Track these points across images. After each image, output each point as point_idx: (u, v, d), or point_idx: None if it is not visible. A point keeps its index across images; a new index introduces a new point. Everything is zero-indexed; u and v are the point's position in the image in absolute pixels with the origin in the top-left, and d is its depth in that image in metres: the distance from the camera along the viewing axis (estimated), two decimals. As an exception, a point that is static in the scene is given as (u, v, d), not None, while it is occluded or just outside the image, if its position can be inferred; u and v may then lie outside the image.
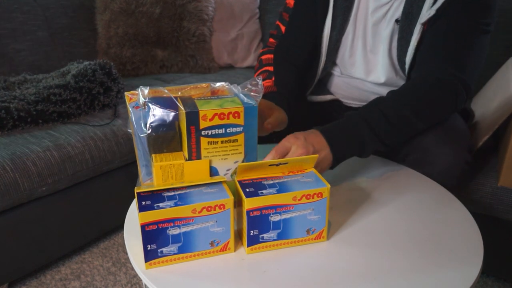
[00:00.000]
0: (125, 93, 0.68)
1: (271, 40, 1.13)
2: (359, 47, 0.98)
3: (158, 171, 0.63)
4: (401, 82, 0.98)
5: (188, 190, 0.61)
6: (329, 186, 0.62)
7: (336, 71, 1.07)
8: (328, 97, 1.10)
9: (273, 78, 0.99)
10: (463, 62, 0.85)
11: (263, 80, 1.04)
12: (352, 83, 1.04)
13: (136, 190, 0.59)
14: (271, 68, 1.03)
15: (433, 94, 0.83)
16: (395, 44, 0.93)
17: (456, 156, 0.86)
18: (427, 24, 0.87)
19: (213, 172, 0.67)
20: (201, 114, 0.62)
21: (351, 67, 1.02)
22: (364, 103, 0.89)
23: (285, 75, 1.00)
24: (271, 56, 1.07)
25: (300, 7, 1.04)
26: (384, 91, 1.00)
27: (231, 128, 0.64)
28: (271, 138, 1.03)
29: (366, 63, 0.99)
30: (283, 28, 1.12)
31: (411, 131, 0.83)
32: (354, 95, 1.07)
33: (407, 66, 0.92)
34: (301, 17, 1.04)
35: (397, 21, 0.91)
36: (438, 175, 0.86)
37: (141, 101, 0.65)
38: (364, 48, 0.98)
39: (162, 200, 0.58)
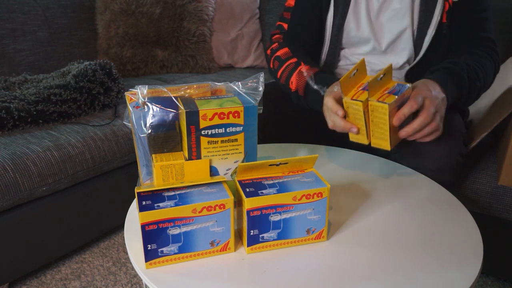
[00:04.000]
0: (126, 93, 0.69)
1: (276, 36, 1.11)
2: (366, 26, 1.02)
3: (158, 171, 0.63)
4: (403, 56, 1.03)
5: (188, 190, 0.61)
6: (329, 186, 0.62)
7: (341, 61, 1.08)
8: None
9: (303, 64, 0.98)
10: (490, 30, 0.99)
11: (293, 73, 0.99)
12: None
13: (137, 190, 0.59)
14: (294, 59, 1.00)
15: (485, 61, 0.93)
16: (412, 17, 0.98)
17: (450, 146, 0.87)
18: None
19: (213, 172, 0.67)
20: (201, 113, 0.62)
21: (358, 46, 1.05)
22: None
23: (310, 60, 1.03)
24: (287, 49, 1.04)
25: (303, 5, 1.07)
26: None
27: (231, 127, 0.65)
28: (271, 138, 1.03)
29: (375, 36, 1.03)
30: (285, 25, 1.11)
31: (477, 90, 0.92)
32: None
33: (427, 38, 0.97)
34: (304, 9, 1.06)
35: None
36: (432, 165, 0.86)
37: (140, 101, 0.65)
38: (370, 25, 1.02)
39: (162, 200, 0.59)
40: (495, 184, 1.06)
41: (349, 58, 1.07)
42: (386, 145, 0.77)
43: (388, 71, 0.78)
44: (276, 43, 1.07)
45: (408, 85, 0.77)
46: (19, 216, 1.12)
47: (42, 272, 1.29)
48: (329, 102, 0.81)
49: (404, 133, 0.76)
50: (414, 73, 1.02)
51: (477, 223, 0.71)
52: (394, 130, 0.77)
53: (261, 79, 0.69)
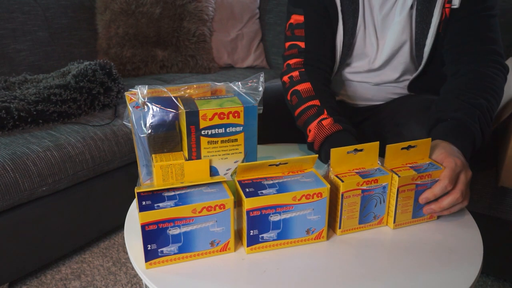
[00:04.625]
0: (126, 93, 0.69)
1: (295, 61, 1.00)
2: (372, 42, 0.99)
3: (158, 171, 0.63)
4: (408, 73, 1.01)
5: (188, 190, 0.61)
6: (329, 186, 0.62)
7: (342, 73, 1.07)
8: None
9: (326, 113, 0.90)
10: (497, 43, 0.92)
11: (312, 121, 0.89)
12: (356, 79, 1.05)
13: (136, 190, 0.59)
14: (316, 102, 0.92)
15: (495, 80, 0.87)
16: (410, 30, 0.95)
17: None
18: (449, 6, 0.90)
19: (213, 172, 0.67)
20: (201, 113, 0.62)
21: (356, 61, 1.03)
22: (369, 102, 0.89)
23: (333, 103, 0.96)
24: (309, 84, 0.95)
25: (314, 18, 1.01)
26: (391, 87, 1.03)
27: (231, 127, 0.65)
28: (271, 138, 1.03)
29: (380, 56, 1.00)
30: (301, 44, 1.04)
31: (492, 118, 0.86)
32: (358, 94, 1.07)
33: (426, 48, 0.94)
34: (317, 23, 1.00)
35: (411, 7, 0.93)
36: None
37: (140, 101, 0.65)
38: (376, 41, 0.99)
39: (162, 200, 0.59)
40: (495, 184, 1.06)
41: (343, 75, 1.06)
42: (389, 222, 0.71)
43: (426, 144, 0.71)
44: (297, 72, 0.98)
45: (441, 167, 0.69)
46: (19, 216, 1.12)
47: (42, 272, 1.29)
48: None
49: (429, 210, 0.71)
50: (417, 85, 1.01)
51: (477, 223, 0.71)
52: (403, 209, 0.69)
53: (261, 79, 0.69)
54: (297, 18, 1.01)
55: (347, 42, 0.99)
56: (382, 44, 0.99)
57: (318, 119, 0.89)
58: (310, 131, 0.89)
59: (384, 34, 0.98)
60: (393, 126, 0.95)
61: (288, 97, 0.98)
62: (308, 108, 0.92)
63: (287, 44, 1.04)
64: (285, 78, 1.00)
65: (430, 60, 0.97)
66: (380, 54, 1.00)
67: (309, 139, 0.90)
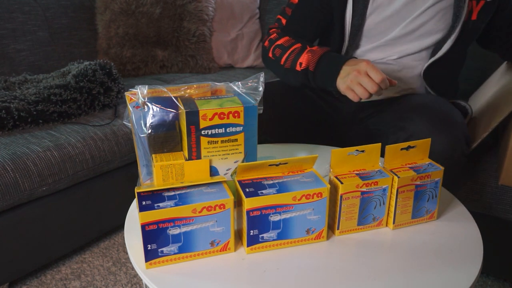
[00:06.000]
0: (126, 93, 0.69)
1: (273, 30, 1.09)
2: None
3: (158, 171, 0.63)
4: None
5: (188, 190, 0.61)
6: (328, 186, 0.62)
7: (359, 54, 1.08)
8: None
9: (309, 47, 0.96)
10: None
11: (301, 54, 0.95)
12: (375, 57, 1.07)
13: (137, 190, 0.59)
14: (299, 44, 0.98)
15: None
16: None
17: (452, 146, 0.85)
18: None
19: (213, 172, 0.67)
20: (201, 113, 0.62)
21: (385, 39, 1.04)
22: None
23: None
24: (287, 38, 1.01)
25: (307, 2, 1.05)
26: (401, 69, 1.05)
27: (231, 127, 0.65)
28: (271, 138, 1.03)
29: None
30: (284, 20, 1.09)
31: None
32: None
33: (454, 36, 0.97)
34: (309, 6, 1.04)
35: None
36: None
37: (140, 101, 0.65)
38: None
39: (162, 200, 0.59)
40: (495, 184, 1.06)
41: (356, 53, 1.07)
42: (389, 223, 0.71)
43: (426, 146, 0.71)
44: (275, 34, 1.05)
45: (440, 168, 0.69)
46: (19, 216, 1.12)
47: (42, 272, 1.29)
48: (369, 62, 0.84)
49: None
50: (434, 69, 1.02)
51: (477, 223, 0.71)
52: (403, 209, 0.69)
53: (261, 79, 0.69)
54: None
55: (356, 22, 1.00)
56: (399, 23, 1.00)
57: (306, 50, 0.95)
58: (301, 63, 0.94)
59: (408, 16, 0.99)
60: (396, 121, 0.95)
61: (270, 54, 1.03)
62: (293, 51, 0.98)
63: (277, 16, 1.10)
64: (265, 43, 1.07)
65: (454, 46, 0.99)
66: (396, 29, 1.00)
67: (302, 66, 0.95)
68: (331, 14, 1.03)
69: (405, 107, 0.97)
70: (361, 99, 0.85)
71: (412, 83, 1.06)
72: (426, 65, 1.02)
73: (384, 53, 1.03)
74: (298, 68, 0.95)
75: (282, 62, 1.00)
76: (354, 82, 0.84)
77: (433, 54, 1.01)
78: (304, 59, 0.95)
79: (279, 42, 1.01)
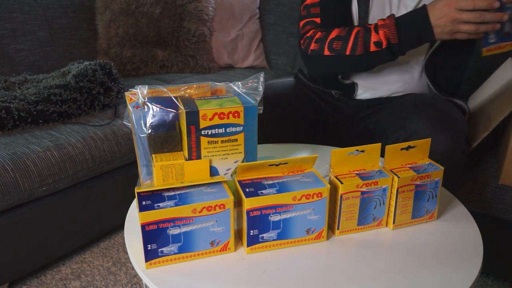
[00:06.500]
0: (126, 93, 0.69)
1: (312, 31, 1.03)
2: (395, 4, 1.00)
3: (158, 171, 0.63)
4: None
5: (188, 190, 0.61)
6: (328, 186, 0.62)
7: None
8: (347, 81, 1.10)
9: (368, 25, 0.94)
10: None
11: (369, 34, 0.91)
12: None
13: (137, 190, 0.59)
14: (357, 28, 0.95)
15: None
16: None
17: (452, 145, 0.85)
18: None
19: (213, 172, 0.67)
20: (201, 113, 0.62)
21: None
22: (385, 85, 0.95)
23: None
24: (337, 29, 0.97)
25: None
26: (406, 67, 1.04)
27: (231, 127, 0.65)
28: (271, 138, 1.03)
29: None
30: (317, 19, 1.06)
31: None
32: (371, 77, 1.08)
33: None
34: (333, 5, 1.03)
35: None
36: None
37: (140, 101, 0.65)
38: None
39: (162, 200, 0.59)
40: (495, 184, 1.06)
41: None
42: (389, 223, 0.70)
43: (426, 146, 0.71)
44: (319, 33, 0.99)
45: (440, 168, 0.68)
46: (19, 216, 1.12)
47: (42, 272, 1.29)
48: None
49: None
50: (434, 63, 1.02)
51: (477, 223, 0.71)
52: (403, 209, 0.69)
53: (261, 79, 0.69)
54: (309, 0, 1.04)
55: (363, 12, 1.00)
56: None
57: (372, 28, 0.92)
58: (376, 42, 0.91)
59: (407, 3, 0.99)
60: (397, 120, 0.95)
61: (327, 52, 0.98)
62: (356, 36, 0.94)
63: (302, 22, 1.06)
64: (312, 46, 1.00)
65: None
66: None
67: (384, 44, 0.91)
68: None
69: (405, 106, 0.97)
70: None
71: (414, 72, 1.05)
72: (430, 52, 1.02)
73: None
74: (374, 48, 0.92)
75: (348, 52, 0.95)
76: (455, 28, 0.84)
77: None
78: (376, 37, 0.91)
79: (332, 36, 0.96)
